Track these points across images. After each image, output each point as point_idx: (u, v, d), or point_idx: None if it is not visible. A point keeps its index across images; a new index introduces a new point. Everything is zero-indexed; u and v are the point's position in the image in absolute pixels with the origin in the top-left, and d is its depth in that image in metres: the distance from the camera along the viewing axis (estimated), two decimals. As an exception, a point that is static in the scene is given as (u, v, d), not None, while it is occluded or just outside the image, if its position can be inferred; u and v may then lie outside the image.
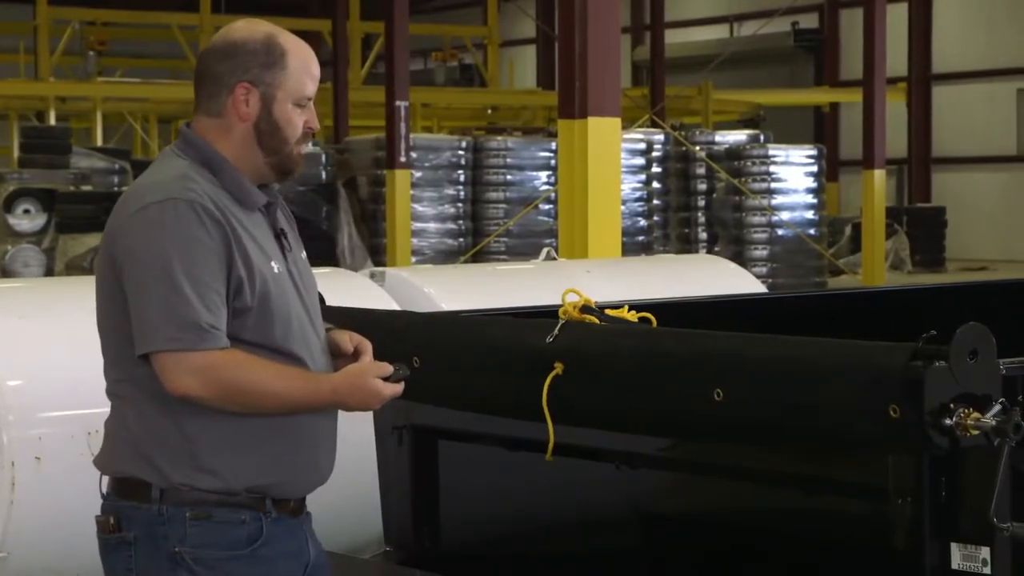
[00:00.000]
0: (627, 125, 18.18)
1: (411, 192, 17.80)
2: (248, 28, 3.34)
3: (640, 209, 18.92)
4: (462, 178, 18.67)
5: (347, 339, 3.36)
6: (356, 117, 24.55)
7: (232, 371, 3.14)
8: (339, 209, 18.87)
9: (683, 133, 20.92)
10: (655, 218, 19.42)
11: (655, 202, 19.42)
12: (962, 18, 27.92)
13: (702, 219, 20.40)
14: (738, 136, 21.19)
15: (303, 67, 3.32)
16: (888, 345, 2.95)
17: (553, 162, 18.20)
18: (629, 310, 3.71)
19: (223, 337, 3.15)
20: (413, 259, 17.66)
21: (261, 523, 3.24)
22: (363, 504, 4.81)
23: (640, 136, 19.24)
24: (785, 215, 19.66)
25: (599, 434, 3.60)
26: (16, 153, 21.69)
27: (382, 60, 20.67)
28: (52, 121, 22.61)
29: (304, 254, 3.46)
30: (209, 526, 3.20)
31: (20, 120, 23.97)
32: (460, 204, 18.63)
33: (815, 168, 20.15)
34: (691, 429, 3.36)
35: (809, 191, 20.05)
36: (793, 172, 19.97)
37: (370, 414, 4.26)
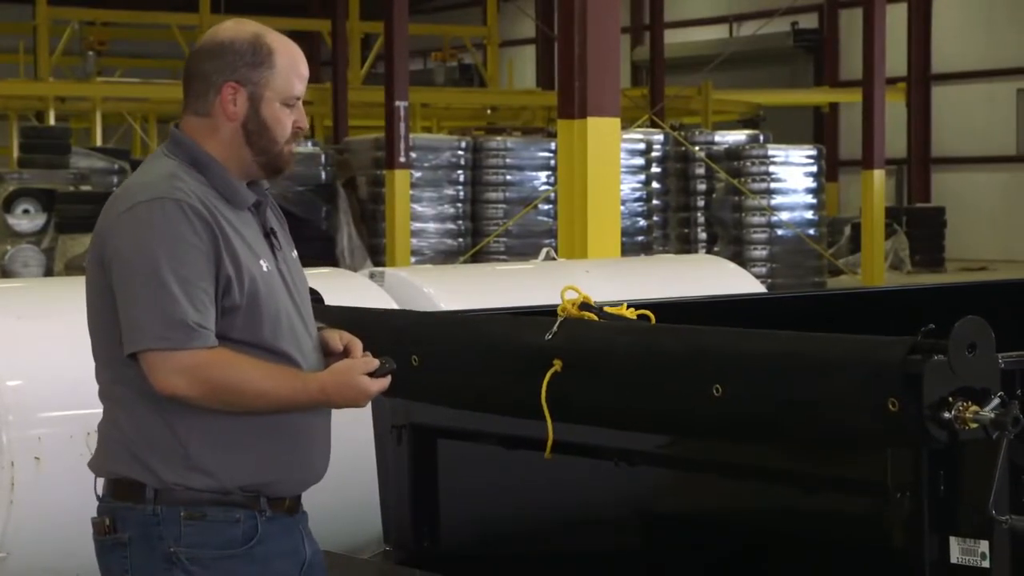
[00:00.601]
0: (627, 125, 18.19)
1: (411, 192, 17.80)
2: (235, 28, 3.34)
3: (640, 209, 18.92)
4: (462, 178, 18.67)
5: (337, 337, 3.37)
6: (355, 117, 24.55)
7: (220, 370, 3.14)
8: (338, 209, 18.87)
9: (683, 133, 20.92)
10: (655, 218, 19.42)
11: (655, 202, 19.42)
12: (962, 18, 27.92)
13: (702, 219, 20.40)
14: (738, 136, 21.19)
15: (290, 66, 3.31)
16: (887, 339, 2.96)
17: (553, 162, 18.20)
18: (628, 308, 3.72)
19: (211, 336, 3.15)
20: (413, 259, 17.66)
21: (256, 522, 3.24)
22: (362, 504, 4.81)
23: (640, 136, 19.24)
24: (785, 215, 19.66)
25: (598, 432, 3.60)
26: (16, 153, 21.69)
27: (382, 60, 20.66)
28: (52, 121, 22.60)
29: (295, 253, 3.46)
30: (204, 525, 3.20)
31: (20, 120, 23.96)
32: (460, 204, 18.63)
33: (815, 168, 20.15)
34: (690, 425, 3.36)
35: (809, 191, 20.05)
36: (793, 172, 19.97)
37: (368, 412, 4.27)
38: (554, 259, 6.89)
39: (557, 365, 3.44)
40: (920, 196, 27.62)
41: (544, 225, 18.10)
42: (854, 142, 23.05)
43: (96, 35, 26.60)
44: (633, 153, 18.72)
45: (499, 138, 19.31)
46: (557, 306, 3.61)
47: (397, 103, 17.42)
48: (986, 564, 2.99)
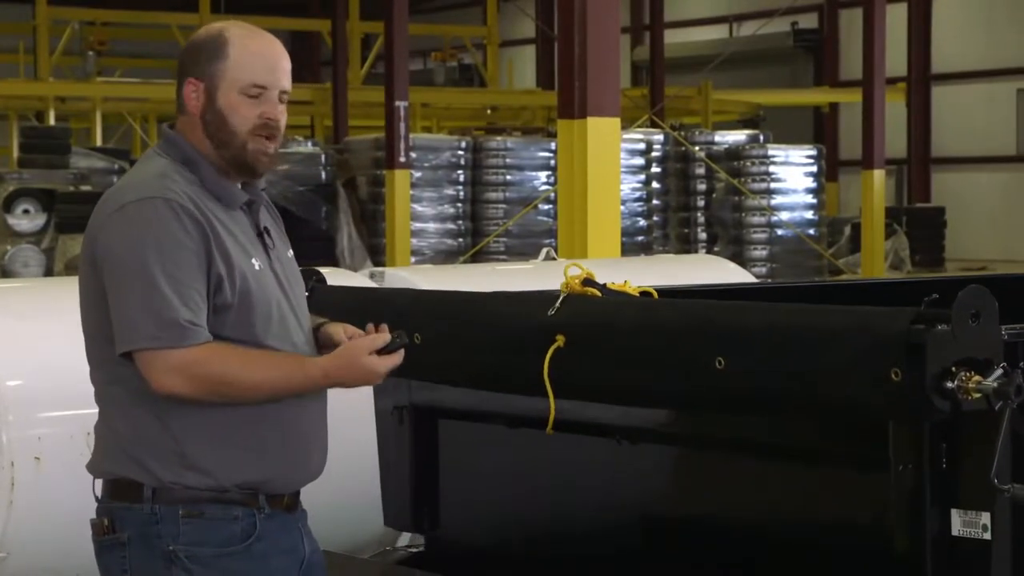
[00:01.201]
0: (627, 125, 18.18)
1: (411, 192, 17.79)
2: (208, 27, 3.38)
3: (640, 209, 18.92)
4: (462, 178, 18.66)
5: (341, 331, 3.37)
6: (356, 117, 24.53)
7: (215, 365, 3.15)
8: (339, 209, 18.86)
9: (683, 133, 20.91)
10: (655, 218, 19.42)
11: (655, 202, 19.42)
12: (962, 18, 27.91)
13: (702, 219, 20.40)
14: (738, 136, 21.18)
15: (247, 54, 3.29)
16: (890, 309, 2.97)
17: (553, 162, 18.19)
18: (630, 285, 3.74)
19: (204, 333, 3.15)
20: (413, 259, 17.66)
21: (254, 519, 3.24)
22: (362, 504, 4.81)
23: (640, 136, 19.24)
24: (785, 215, 19.66)
25: (600, 408, 3.60)
26: (16, 153, 21.68)
27: (382, 60, 20.65)
28: (51, 121, 22.59)
29: (291, 252, 3.46)
30: (202, 523, 3.20)
31: (20, 120, 23.95)
32: (460, 204, 18.63)
33: (815, 168, 20.15)
34: (693, 398, 3.36)
35: (809, 191, 20.05)
36: (793, 172, 19.97)
37: (368, 410, 4.26)
38: (554, 259, 6.89)
39: (560, 340, 3.45)
40: (920, 196, 27.60)
41: (544, 225, 18.09)
42: (854, 142, 23.04)
43: (96, 35, 26.56)
44: (633, 153, 18.72)
45: (499, 138, 19.30)
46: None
47: (397, 103, 17.41)
48: (987, 536, 3.00)
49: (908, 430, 3.09)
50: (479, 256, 17.92)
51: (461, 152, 18.66)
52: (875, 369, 2.92)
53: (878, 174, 18.36)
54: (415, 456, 4.18)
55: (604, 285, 3.64)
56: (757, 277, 9.63)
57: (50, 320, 4.89)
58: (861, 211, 19.57)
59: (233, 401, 3.19)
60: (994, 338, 2.93)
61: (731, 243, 19.63)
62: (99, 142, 23.30)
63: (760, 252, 19.61)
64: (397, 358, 3.23)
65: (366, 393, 3.41)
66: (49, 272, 17.95)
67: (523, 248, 17.79)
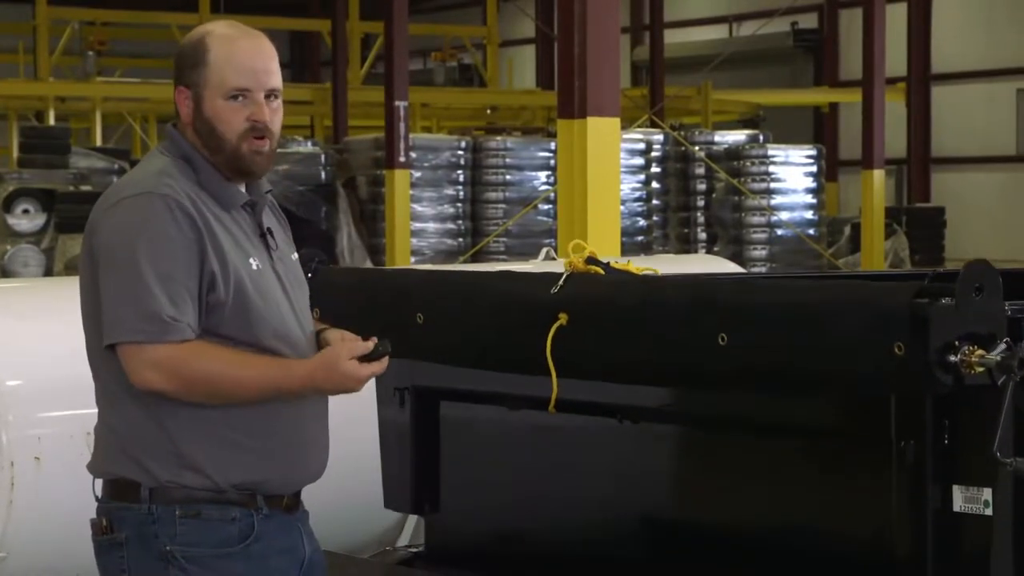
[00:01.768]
0: (626, 125, 18.17)
1: (410, 192, 17.78)
2: (193, 32, 3.38)
3: (640, 209, 18.92)
4: (461, 178, 18.66)
5: (338, 337, 3.36)
6: (355, 117, 24.52)
7: (195, 363, 3.14)
8: (338, 209, 18.86)
9: (682, 133, 20.91)
10: (655, 218, 19.42)
11: (654, 202, 19.42)
12: (962, 18, 27.90)
13: (701, 219, 20.40)
14: (737, 136, 21.18)
15: (226, 59, 3.28)
16: (893, 284, 2.98)
17: (553, 162, 18.19)
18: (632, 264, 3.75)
19: (186, 329, 3.14)
20: (412, 259, 17.65)
21: (252, 520, 3.24)
22: (362, 504, 4.81)
23: (639, 136, 19.23)
24: (784, 215, 19.66)
25: (602, 387, 3.58)
26: (15, 153, 21.67)
27: (381, 60, 20.65)
28: (51, 121, 22.58)
29: (295, 255, 3.46)
30: (198, 524, 3.20)
31: (19, 120, 23.94)
32: (459, 204, 18.63)
33: (814, 168, 20.15)
34: (696, 376, 3.36)
35: (808, 191, 20.05)
36: (792, 172, 19.97)
37: (369, 411, 4.26)
38: (554, 259, 6.89)
39: (563, 319, 3.45)
40: (920, 196, 27.59)
41: (544, 225, 18.09)
42: (854, 142, 23.03)
43: (96, 35, 26.55)
44: (633, 153, 18.72)
45: (499, 138, 19.30)
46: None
47: (397, 103, 17.40)
48: (988, 512, 3.00)
49: (910, 405, 3.09)
50: (479, 256, 17.92)
51: (461, 152, 18.65)
52: (878, 343, 2.93)
53: (878, 174, 18.36)
54: (416, 437, 4.17)
55: (607, 264, 3.64)
56: (757, 277, 9.62)
57: (50, 320, 4.90)
58: (861, 211, 19.58)
59: (214, 401, 3.19)
60: (998, 312, 2.94)
61: (731, 243, 19.63)
62: (99, 142, 23.29)
63: (760, 252, 19.61)
64: (379, 366, 3.22)
65: (367, 391, 3.40)
66: (49, 272, 17.96)
67: (523, 248, 17.78)
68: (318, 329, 3.42)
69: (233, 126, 3.28)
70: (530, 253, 16.14)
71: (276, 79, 3.33)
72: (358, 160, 19.28)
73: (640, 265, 3.79)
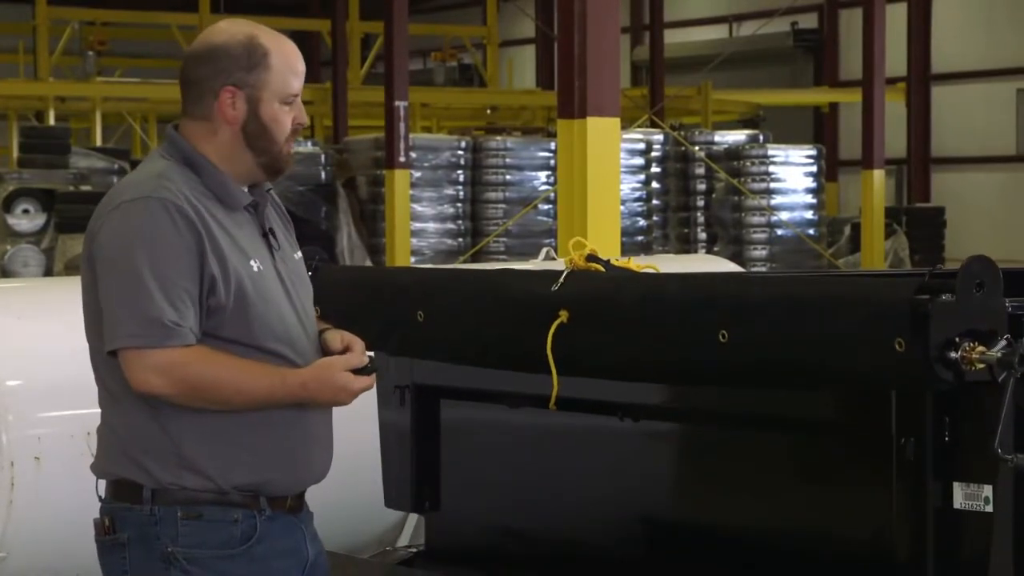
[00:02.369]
0: (626, 125, 18.17)
1: (410, 192, 17.78)
2: (229, 30, 3.34)
3: (639, 209, 18.92)
4: (461, 178, 18.66)
5: (338, 339, 3.36)
6: (355, 117, 24.52)
7: (194, 368, 3.14)
8: (338, 209, 18.86)
9: (682, 133, 20.91)
10: (654, 218, 19.42)
11: (654, 202, 19.42)
12: (962, 18, 27.90)
13: (701, 219, 20.40)
14: (737, 136, 21.18)
15: (286, 65, 3.31)
16: (893, 280, 2.98)
17: (552, 162, 18.19)
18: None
19: (188, 334, 3.14)
20: (412, 259, 17.65)
21: (255, 521, 3.24)
22: (363, 504, 4.81)
23: (639, 136, 19.23)
24: (784, 215, 19.66)
25: (603, 385, 3.59)
26: (15, 153, 21.67)
27: (381, 60, 20.65)
28: (51, 121, 22.58)
29: (299, 255, 3.46)
30: (200, 525, 3.20)
31: (19, 120, 23.94)
32: (459, 204, 18.63)
33: (814, 168, 20.15)
34: (697, 372, 3.36)
35: (808, 191, 20.05)
36: (792, 172, 19.97)
37: (370, 411, 4.26)
38: (554, 259, 6.89)
39: (563, 316, 3.45)
40: (920, 196, 27.60)
41: (544, 225, 18.09)
42: (854, 142, 23.03)
43: (96, 35, 26.54)
44: (633, 153, 18.72)
45: (499, 138, 19.30)
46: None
47: (397, 103, 17.40)
48: (989, 508, 3.00)
49: (910, 402, 3.09)
50: (479, 256, 17.92)
51: (461, 152, 18.65)
52: (879, 339, 2.93)
53: (878, 174, 18.36)
54: (416, 436, 4.17)
55: (608, 261, 3.65)
56: (757, 277, 9.62)
57: (50, 320, 4.90)
58: (861, 211, 19.58)
59: (213, 406, 3.19)
60: (998, 309, 2.94)
61: (731, 243, 19.63)
62: (99, 142, 23.29)
63: (760, 252, 19.61)
64: (369, 381, 3.24)
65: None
66: (49, 272, 17.95)
67: (523, 248, 17.78)
68: (320, 329, 3.42)
69: (284, 129, 3.32)
70: (530, 253, 16.14)
71: None
72: (358, 160, 19.28)
73: (640, 263, 3.79)
